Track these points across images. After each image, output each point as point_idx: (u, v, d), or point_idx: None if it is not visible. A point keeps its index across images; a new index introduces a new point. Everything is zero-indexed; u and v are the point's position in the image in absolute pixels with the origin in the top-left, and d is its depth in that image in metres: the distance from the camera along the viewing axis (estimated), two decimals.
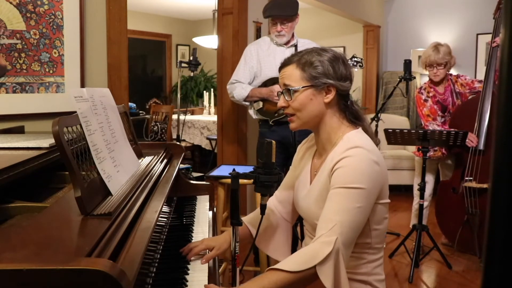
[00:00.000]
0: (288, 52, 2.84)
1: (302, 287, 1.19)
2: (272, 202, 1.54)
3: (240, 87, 2.88)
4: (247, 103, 2.92)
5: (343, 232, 1.16)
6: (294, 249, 1.81)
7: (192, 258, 1.36)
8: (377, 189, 1.25)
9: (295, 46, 2.85)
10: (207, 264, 1.34)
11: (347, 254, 1.19)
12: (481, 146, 3.03)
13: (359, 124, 1.36)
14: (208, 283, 1.22)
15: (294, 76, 1.32)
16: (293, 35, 2.89)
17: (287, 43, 2.87)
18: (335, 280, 1.13)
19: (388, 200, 1.33)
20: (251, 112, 2.97)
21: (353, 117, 1.36)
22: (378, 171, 1.25)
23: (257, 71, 2.90)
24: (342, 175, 1.23)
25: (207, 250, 1.40)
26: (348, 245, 1.18)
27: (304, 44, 2.88)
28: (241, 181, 1.25)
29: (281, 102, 1.36)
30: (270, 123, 2.84)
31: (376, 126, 3.41)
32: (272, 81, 2.83)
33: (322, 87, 1.30)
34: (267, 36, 3.01)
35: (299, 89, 1.31)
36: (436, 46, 3.15)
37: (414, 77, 3.43)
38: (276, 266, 1.14)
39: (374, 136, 1.39)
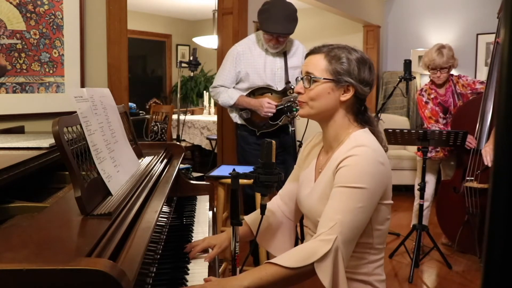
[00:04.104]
0: (278, 59, 2.78)
1: (299, 282, 1.20)
2: (276, 200, 1.55)
3: (225, 93, 2.76)
4: (231, 108, 2.84)
5: (343, 231, 1.16)
6: None
7: (196, 256, 1.37)
8: (380, 190, 1.24)
9: (285, 52, 2.78)
10: (207, 263, 1.34)
11: (347, 253, 1.19)
12: (483, 146, 3.03)
13: (368, 127, 1.35)
14: None
15: (319, 66, 1.31)
16: None
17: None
18: (333, 278, 1.13)
19: (391, 201, 1.32)
20: (232, 115, 2.87)
21: (364, 122, 1.36)
22: (383, 172, 1.24)
23: (244, 76, 2.76)
24: (346, 174, 1.23)
25: (209, 248, 1.41)
26: (348, 244, 1.18)
27: (292, 46, 2.83)
28: (241, 181, 1.25)
29: (298, 88, 1.35)
30: (257, 134, 2.76)
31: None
32: (261, 91, 2.74)
33: (342, 84, 1.30)
34: (256, 35, 2.84)
35: (320, 79, 1.30)
36: (440, 49, 3.13)
37: (414, 77, 3.42)
38: (273, 261, 1.15)
39: (383, 141, 1.36)
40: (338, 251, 1.15)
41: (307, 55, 1.37)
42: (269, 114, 2.68)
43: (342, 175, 1.23)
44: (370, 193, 1.21)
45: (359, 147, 1.24)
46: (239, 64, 2.76)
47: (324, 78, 1.30)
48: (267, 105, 2.66)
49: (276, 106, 2.69)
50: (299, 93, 1.35)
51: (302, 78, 1.35)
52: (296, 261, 1.13)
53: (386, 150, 1.34)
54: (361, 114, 1.36)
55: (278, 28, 2.60)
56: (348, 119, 1.34)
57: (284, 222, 1.53)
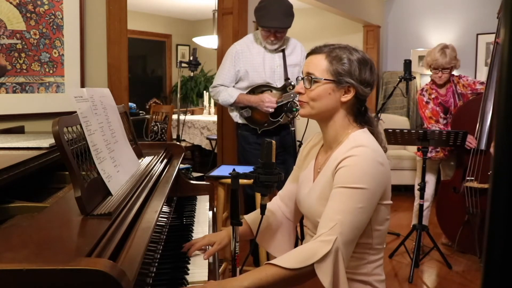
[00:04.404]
0: (277, 56, 2.80)
1: (299, 283, 1.20)
2: (276, 201, 1.55)
3: (225, 92, 2.77)
4: (231, 107, 2.85)
5: (344, 232, 1.16)
6: None
7: (196, 253, 1.37)
8: (380, 190, 1.24)
9: (283, 50, 2.79)
10: (207, 263, 1.34)
11: (348, 253, 1.19)
12: (483, 146, 3.03)
13: (368, 127, 1.36)
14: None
15: (320, 66, 1.31)
16: None
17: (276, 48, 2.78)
18: (334, 279, 1.13)
19: (390, 201, 1.32)
20: (232, 115, 2.88)
21: (364, 122, 1.36)
22: (382, 172, 1.24)
23: (244, 75, 2.78)
24: (346, 174, 1.23)
25: (208, 246, 1.41)
26: (348, 245, 1.18)
27: (290, 44, 2.85)
28: (241, 181, 1.25)
29: (298, 88, 1.35)
30: (259, 132, 2.77)
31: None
32: (261, 88, 2.75)
33: (343, 85, 1.30)
34: (254, 35, 2.88)
35: (321, 80, 1.30)
36: (443, 49, 3.13)
37: (414, 77, 3.43)
38: (273, 262, 1.15)
39: (382, 141, 1.36)
40: (339, 252, 1.14)
41: (308, 55, 1.37)
42: (270, 109, 2.69)
43: (341, 175, 1.23)
44: (370, 194, 1.21)
45: (358, 147, 1.24)
46: (238, 63, 2.77)
47: (325, 79, 1.30)
48: (268, 99, 2.67)
49: (277, 102, 2.70)
50: (299, 93, 1.35)
51: (302, 78, 1.34)
52: (296, 262, 1.13)
53: (385, 151, 1.34)
54: (361, 115, 1.36)
55: (275, 22, 2.64)
56: (348, 119, 1.34)
57: (284, 223, 1.53)
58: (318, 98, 1.31)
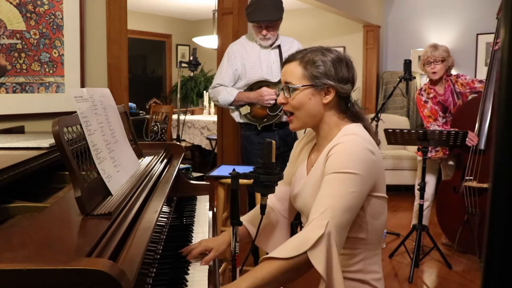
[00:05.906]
0: (273, 53, 2.81)
1: (296, 275, 1.17)
2: (270, 199, 1.54)
3: (225, 91, 2.79)
4: (232, 107, 2.85)
5: (335, 216, 1.15)
6: None
7: (191, 260, 1.36)
8: (371, 178, 1.24)
9: (279, 46, 2.80)
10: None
11: (340, 240, 1.17)
12: (482, 146, 3.03)
13: (360, 122, 1.37)
14: (208, 283, 1.22)
15: (295, 74, 1.32)
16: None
17: (271, 44, 2.79)
18: (327, 265, 1.11)
19: (385, 195, 1.31)
20: (234, 115, 2.89)
21: (354, 118, 1.37)
22: (373, 160, 1.24)
23: (241, 73, 2.79)
24: (335, 160, 1.23)
25: (206, 252, 1.40)
26: (341, 230, 1.16)
27: (287, 42, 2.86)
28: (241, 181, 1.25)
29: (280, 99, 1.36)
30: (259, 128, 2.78)
31: (376, 126, 3.41)
32: (259, 84, 2.76)
33: (321, 87, 1.30)
34: (247, 35, 2.90)
35: (298, 87, 1.31)
36: (434, 45, 3.20)
37: (414, 77, 3.43)
38: (269, 255, 1.14)
39: (375, 135, 1.38)
40: (331, 236, 1.12)
41: (283, 65, 1.39)
42: (271, 101, 2.69)
43: (331, 162, 1.24)
44: (361, 179, 1.20)
45: (348, 135, 1.26)
46: (235, 62, 2.80)
47: (302, 85, 1.31)
48: (266, 92, 2.68)
49: (276, 94, 2.71)
50: (282, 103, 1.36)
51: (282, 89, 1.35)
52: (290, 250, 1.11)
53: (378, 143, 1.34)
54: (349, 111, 1.36)
55: (264, 15, 2.67)
56: (338, 117, 1.35)
57: (280, 221, 1.53)
58: (300, 106, 1.32)
